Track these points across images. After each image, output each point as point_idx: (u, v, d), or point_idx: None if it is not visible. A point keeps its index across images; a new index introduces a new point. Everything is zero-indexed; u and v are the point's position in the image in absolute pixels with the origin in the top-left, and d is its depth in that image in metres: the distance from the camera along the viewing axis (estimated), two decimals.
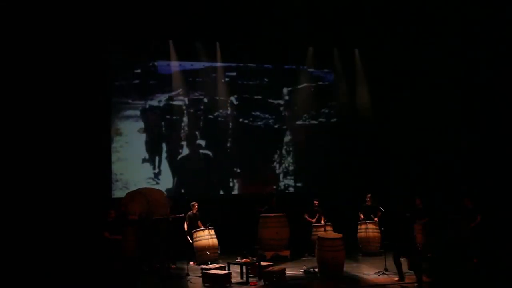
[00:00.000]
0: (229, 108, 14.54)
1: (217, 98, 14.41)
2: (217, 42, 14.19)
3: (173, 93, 14.10)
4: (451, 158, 13.50)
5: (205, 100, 14.36)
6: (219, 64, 14.40)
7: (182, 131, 14.17)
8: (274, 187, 13.09)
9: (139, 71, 13.86)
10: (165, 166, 13.92)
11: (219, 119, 14.47)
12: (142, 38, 13.34)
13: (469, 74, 13.38)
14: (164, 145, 14.01)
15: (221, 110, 14.47)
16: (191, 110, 14.24)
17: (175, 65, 14.07)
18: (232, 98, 14.56)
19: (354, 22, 14.12)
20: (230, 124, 14.55)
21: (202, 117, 14.32)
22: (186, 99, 14.20)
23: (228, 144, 14.54)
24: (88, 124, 12.69)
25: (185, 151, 14.15)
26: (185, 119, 14.19)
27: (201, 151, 14.27)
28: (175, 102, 14.12)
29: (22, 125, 12.00)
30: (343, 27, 14.23)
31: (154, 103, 13.96)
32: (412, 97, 14.24)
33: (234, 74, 14.67)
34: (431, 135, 13.92)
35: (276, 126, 14.93)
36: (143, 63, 13.91)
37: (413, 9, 13.46)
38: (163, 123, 14.05)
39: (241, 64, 14.64)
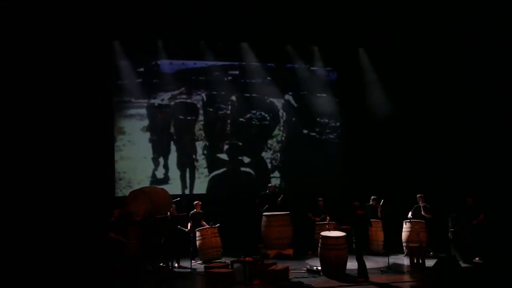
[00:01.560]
0: (231, 106, 14.59)
1: (216, 93, 14.44)
2: (219, 41, 14.19)
3: (176, 92, 14.11)
4: (454, 157, 13.50)
5: (207, 97, 14.39)
6: (221, 63, 14.41)
7: (185, 129, 14.19)
8: (273, 184, 13.06)
9: (142, 70, 13.88)
10: (166, 164, 13.92)
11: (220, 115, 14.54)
12: (145, 37, 13.35)
13: (471, 73, 13.37)
14: (167, 144, 14.00)
15: (222, 106, 14.53)
16: (196, 108, 14.28)
17: (177, 64, 14.09)
18: (234, 96, 14.60)
19: (358, 21, 14.12)
20: (229, 120, 14.58)
21: (206, 115, 14.37)
22: (191, 97, 14.27)
23: (228, 138, 14.55)
24: (91, 123, 12.72)
25: (190, 149, 14.17)
26: (189, 117, 14.20)
27: (206, 150, 14.33)
28: (177, 101, 14.14)
29: (25, 125, 12.03)
30: (346, 26, 14.22)
31: (157, 101, 13.98)
32: (416, 96, 14.22)
33: (237, 72, 14.68)
34: (435, 134, 13.92)
35: (278, 124, 14.97)
36: (146, 62, 13.93)
37: (417, 7, 13.45)
38: (165, 121, 14.04)
39: (244, 63, 14.63)
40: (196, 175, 14.16)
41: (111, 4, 12.51)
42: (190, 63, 14.29)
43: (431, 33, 13.84)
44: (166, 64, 14.05)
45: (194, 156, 14.17)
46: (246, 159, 14.59)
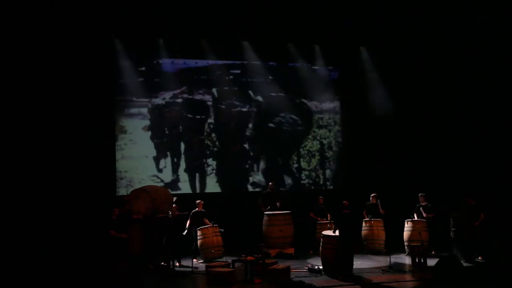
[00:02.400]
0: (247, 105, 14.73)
1: (220, 91, 14.49)
2: (221, 40, 14.18)
3: (177, 91, 14.12)
4: (455, 156, 13.48)
5: (208, 96, 14.42)
6: (223, 62, 14.40)
7: (186, 128, 14.19)
8: (271, 183, 13.10)
9: (143, 69, 13.88)
10: (169, 163, 13.93)
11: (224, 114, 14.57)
12: (147, 36, 13.35)
13: (472, 72, 13.36)
14: (168, 143, 14.01)
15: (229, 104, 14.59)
16: (195, 108, 14.29)
17: (179, 63, 14.09)
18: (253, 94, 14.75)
19: (359, 20, 14.10)
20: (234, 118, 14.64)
21: (205, 114, 14.38)
22: (192, 96, 14.31)
23: (236, 139, 14.61)
24: (92, 122, 12.72)
25: (191, 148, 14.16)
26: (189, 116, 14.21)
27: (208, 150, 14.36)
28: (179, 100, 14.14)
29: (27, 124, 12.02)
30: (348, 25, 14.20)
31: (159, 101, 13.98)
32: (417, 95, 14.21)
33: (239, 71, 14.67)
34: (436, 133, 13.90)
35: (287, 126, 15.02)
36: (148, 61, 13.93)
37: (419, 6, 13.43)
38: (171, 120, 14.06)
39: (246, 62, 14.62)
40: (201, 174, 14.17)
41: (112, 3, 12.51)
42: (192, 62, 14.29)
43: (432, 32, 13.82)
44: (168, 63, 14.05)
45: (200, 155, 14.17)
46: (288, 179, 14.55)
